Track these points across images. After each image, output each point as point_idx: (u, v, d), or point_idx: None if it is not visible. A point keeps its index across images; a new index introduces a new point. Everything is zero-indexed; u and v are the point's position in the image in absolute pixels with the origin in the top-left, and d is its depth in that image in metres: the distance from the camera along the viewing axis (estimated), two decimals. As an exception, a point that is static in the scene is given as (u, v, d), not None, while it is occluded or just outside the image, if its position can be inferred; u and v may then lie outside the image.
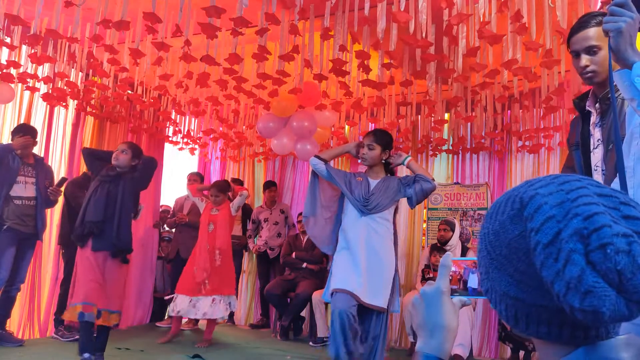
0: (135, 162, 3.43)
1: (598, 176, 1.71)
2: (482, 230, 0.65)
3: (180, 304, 4.29)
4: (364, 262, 2.99)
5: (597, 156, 1.72)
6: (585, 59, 1.68)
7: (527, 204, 0.57)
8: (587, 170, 1.76)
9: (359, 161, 3.33)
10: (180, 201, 5.58)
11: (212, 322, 4.43)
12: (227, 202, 4.52)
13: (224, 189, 4.57)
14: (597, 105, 1.75)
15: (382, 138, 3.20)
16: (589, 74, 1.69)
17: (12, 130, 3.98)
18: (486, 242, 0.62)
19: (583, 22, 1.69)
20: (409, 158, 3.23)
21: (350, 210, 3.14)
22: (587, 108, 1.79)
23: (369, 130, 3.76)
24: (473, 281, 0.87)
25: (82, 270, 3.24)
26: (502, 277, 0.60)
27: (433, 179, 3.15)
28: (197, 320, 5.09)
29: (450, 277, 0.84)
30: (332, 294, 2.99)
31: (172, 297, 4.41)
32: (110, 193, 3.30)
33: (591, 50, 1.67)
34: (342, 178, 3.22)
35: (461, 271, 0.88)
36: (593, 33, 1.66)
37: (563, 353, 0.58)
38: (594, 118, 1.76)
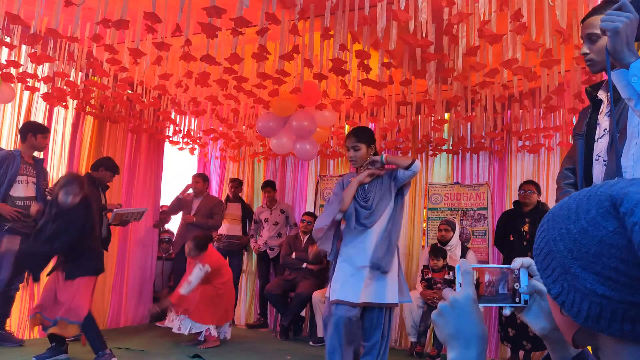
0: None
1: (599, 166, 1.68)
2: (553, 232, 0.64)
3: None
4: (367, 267, 2.97)
5: (600, 146, 1.70)
6: (585, 47, 1.68)
7: (621, 201, 0.57)
8: (588, 160, 1.74)
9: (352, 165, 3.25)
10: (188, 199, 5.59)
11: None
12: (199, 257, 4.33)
13: (200, 245, 4.34)
14: (609, 94, 1.73)
15: (364, 136, 3.13)
16: (588, 62, 1.68)
17: (25, 126, 3.97)
18: (566, 242, 0.62)
19: (595, 9, 1.68)
20: (384, 155, 3.14)
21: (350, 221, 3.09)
22: (598, 96, 1.77)
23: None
24: (503, 289, 0.88)
25: None
26: (587, 276, 0.59)
27: (413, 160, 3.03)
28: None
29: (484, 284, 0.85)
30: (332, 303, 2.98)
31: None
32: None
33: (591, 38, 1.66)
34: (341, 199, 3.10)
35: (493, 279, 0.88)
36: (597, 21, 1.62)
37: None
38: (604, 107, 1.74)
